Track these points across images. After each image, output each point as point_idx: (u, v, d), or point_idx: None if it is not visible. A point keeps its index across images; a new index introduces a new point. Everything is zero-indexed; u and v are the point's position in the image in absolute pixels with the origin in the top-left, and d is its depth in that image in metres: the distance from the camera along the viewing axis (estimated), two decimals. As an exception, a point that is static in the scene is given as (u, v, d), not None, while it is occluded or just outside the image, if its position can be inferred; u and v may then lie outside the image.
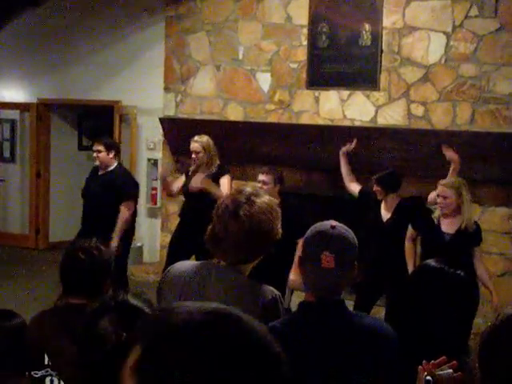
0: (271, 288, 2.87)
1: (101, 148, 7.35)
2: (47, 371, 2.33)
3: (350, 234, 2.58)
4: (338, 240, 2.53)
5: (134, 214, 7.51)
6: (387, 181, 6.52)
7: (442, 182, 6.01)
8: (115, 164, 7.45)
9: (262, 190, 6.07)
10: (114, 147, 7.48)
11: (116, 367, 2.02)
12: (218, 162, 7.33)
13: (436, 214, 6.04)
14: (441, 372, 2.39)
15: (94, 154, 7.42)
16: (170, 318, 1.21)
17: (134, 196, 7.45)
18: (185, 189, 7.39)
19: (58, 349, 2.55)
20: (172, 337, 1.18)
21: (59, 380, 2.33)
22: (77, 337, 2.20)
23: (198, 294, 2.76)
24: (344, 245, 2.54)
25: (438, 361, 2.43)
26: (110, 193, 7.24)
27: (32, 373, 2.44)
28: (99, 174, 7.46)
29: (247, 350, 1.18)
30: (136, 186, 7.64)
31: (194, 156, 7.30)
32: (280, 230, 2.87)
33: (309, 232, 2.60)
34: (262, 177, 6.64)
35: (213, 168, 7.22)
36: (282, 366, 1.21)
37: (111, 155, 7.37)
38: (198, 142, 7.29)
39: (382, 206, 6.56)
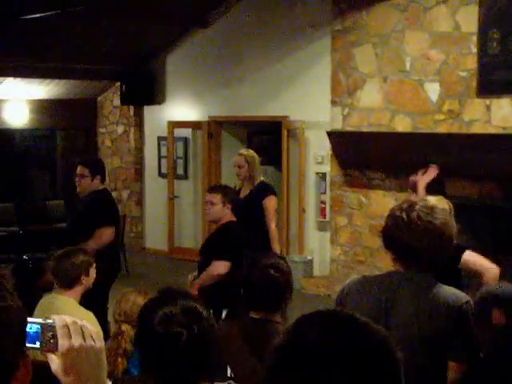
0: (463, 293, 2.91)
1: (85, 172, 6.25)
2: (230, 383, 2.39)
3: None
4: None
5: (112, 245, 6.30)
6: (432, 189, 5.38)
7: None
8: (99, 188, 6.38)
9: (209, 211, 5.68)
10: (99, 171, 6.40)
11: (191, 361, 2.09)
12: (261, 178, 7.00)
13: None
14: None
15: (76, 179, 6.32)
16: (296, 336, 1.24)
17: (108, 222, 6.20)
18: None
19: (239, 361, 2.61)
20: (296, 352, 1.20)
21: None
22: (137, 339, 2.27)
23: (387, 305, 2.80)
24: None
25: None
26: (84, 220, 6.24)
27: (215, 384, 2.51)
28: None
29: (370, 355, 1.19)
30: (111, 213, 6.40)
31: (237, 170, 6.98)
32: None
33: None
34: (208, 196, 5.77)
35: (253, 184, 6.87)
36: (399, 373, 1.21)
37: (97, 181, 6.30)
38: (242, 156, 6.98)
39: None
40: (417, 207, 2.87)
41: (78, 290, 4.65)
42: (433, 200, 2.97)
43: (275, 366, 1.22)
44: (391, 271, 2.99)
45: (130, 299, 4.31)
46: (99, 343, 1.53)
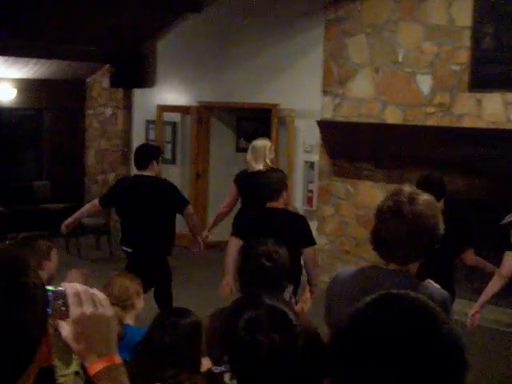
0: (439, 288, 2.87)
1: None
2: (227, 367, 2.38)
3: None
4: None
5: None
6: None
7: None
8: None
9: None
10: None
11: (273, 370, 2.02)
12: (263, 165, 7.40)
13: None
14: None
15: None
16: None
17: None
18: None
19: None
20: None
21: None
22: (220, 341, 2.18)
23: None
24: None
25: None
26: None
27: (213, 368, 2.50)
28: None
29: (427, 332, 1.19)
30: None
31: None
32: (443, 226, 2.84)
33: None
34: None
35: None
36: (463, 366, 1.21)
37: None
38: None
39: None
40: (396, 196, 2.82)
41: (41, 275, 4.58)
42: (421, 192, 2.90)
43: (342, 350, 1.22)
44: (371, 265, 2.96)
45: (117, 282, 4.31)
46: (110, 311, 1.54)
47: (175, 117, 11.74)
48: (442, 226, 2.85)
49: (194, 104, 11.33)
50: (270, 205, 5.68)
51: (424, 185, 5.50)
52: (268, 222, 5.54)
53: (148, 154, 7.03)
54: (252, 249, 3.33)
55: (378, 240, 2.86)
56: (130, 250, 6.98)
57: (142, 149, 7.27)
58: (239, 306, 2.21)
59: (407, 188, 2.89)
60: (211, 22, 11.02)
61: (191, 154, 11.46)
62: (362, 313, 1.26)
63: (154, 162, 6.92)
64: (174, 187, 7.14)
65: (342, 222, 9.35)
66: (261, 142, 7.63)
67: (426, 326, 1.20)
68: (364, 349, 1.19)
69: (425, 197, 2.85)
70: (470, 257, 5.67)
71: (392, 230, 2.78)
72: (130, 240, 7.00)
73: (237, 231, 5.76)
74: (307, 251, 5.61)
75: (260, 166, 7.42)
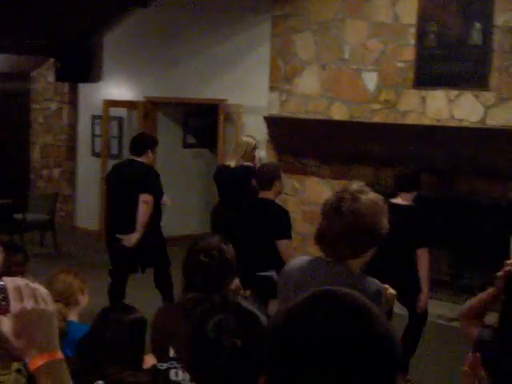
0: (376, 280, 2.89)
1: None
2: (172, 363, 2.38)
3: None
4: None
5: None
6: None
7: None
8: None
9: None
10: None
11: (233, 375, 1.99)
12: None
13: None
14: None
15: None
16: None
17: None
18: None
19: (183, 341, 2.60)
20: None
21: (184, 372, 2.38)
22: (188, 342, 2.12)
23: (307, 288, 2.78)
24: None
25: None
26: None
27: (158, 365, 2.49)
28: None
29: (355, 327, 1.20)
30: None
31: None
32: (387, 226, 2.88)
33: None
34: None
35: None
36: (389, 347, 1.22)
37: None
38: None
39: None
40: (341, 193, 2.87)
41: None
42: (368, 190, 2.93)
43: (275, 347, 1.22)
44: (316, 257, 3.01)
45: (60, 279, 4.27)
46: (51, 306, 1.52)
47: (121, 112, 11.63)
48: (385, 225, 2.88)
49: (141, 99, 11.25)
50: (262, 194, 5.80)
51: (398, 178, 6.14)
52: (252, 213, 5.81)
53: (145, 142, 7.22)
54: (194, 244, 3.34)
55: (320, 235, 2.91)
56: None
57: (140, 136, 7.56)
58: (212, 307, 2.13)
59: (354, 186, 2.93)
60: (158, 17, 10.95)
61: (138, 149, 11.35)
62: (297, 310, 1.26)
63: (149, 151, 7.10)
64: (152, 175, 7.06)
65: (288, 218, 9.37)
66: (246, 139, 7.78)
67: (361, 325, 1.21)
68: (298, 347, 1.19)
69: (369, 196, 2.88)
70: (422, 256, 5.75)
71: (332, 226, 2.85)
72: (125, 226, 6.89)
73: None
74: (279, 244, 5.69)
75: (232, 162, 7.50)
